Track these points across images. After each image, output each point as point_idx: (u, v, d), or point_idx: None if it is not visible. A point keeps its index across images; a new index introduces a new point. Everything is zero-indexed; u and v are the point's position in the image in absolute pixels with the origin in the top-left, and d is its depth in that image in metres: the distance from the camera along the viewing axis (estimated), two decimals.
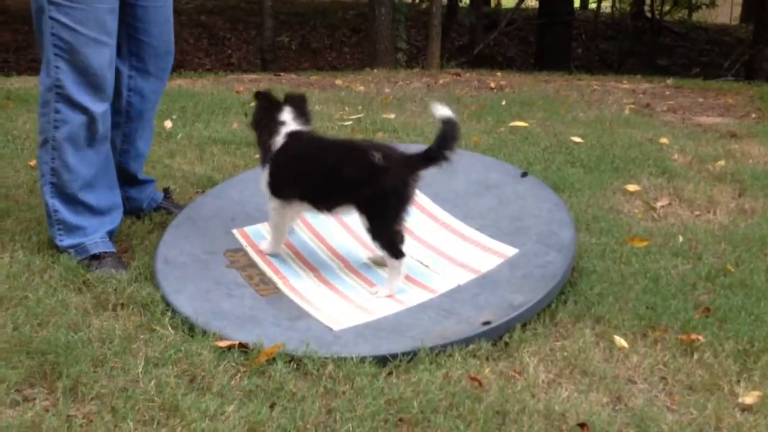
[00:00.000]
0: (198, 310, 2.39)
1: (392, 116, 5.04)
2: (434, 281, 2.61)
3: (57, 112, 2.64)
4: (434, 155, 2.54)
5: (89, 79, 2.63)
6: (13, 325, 2.25)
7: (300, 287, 2.60)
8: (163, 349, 2.20)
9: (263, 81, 6.90)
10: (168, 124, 4.63)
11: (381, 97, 5.84)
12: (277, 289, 2.59)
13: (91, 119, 2.67)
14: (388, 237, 2.54)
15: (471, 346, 2.23)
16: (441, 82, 6.79)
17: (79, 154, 2.69)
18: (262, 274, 2.67)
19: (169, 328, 2.32)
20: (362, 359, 2.14)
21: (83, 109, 2.65)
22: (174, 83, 6.43)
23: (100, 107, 2.68)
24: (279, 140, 2.67)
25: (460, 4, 13.49)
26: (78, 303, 2.42)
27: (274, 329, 2.34)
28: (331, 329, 2.35)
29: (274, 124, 2.70)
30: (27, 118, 4.59)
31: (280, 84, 6.63)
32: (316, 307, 2.47)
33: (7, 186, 3.38)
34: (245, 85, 6.44)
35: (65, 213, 2.72)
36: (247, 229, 2.92)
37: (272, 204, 2.71)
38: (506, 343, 2.28)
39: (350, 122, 4.88)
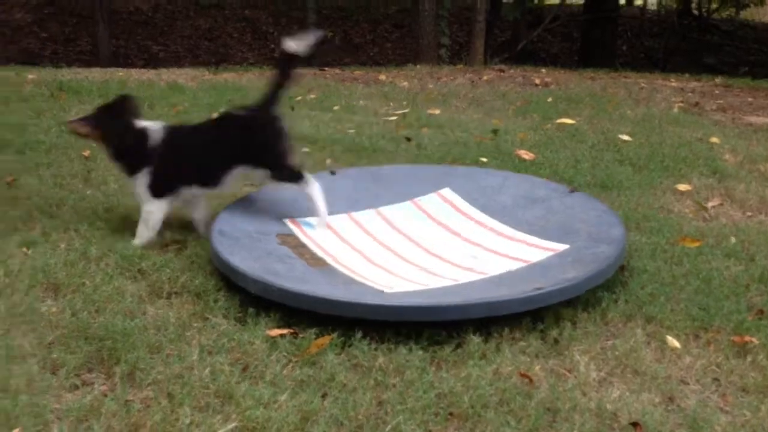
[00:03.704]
0: (251, 268, 2.43)
1: (437, 112, 5.04)
2: (485, 267, 2.64)
3: None
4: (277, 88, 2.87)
5: None
6: (72, 311, 2.31)
7: (350, 264, 2.66)
8: (216, 337, 2.24)
9: (307, 75, 6.94)
10: None
11: (425, 93, 5.85)
12: (327, 264, 2.65)
13: None
14: (288, 172, 2.84)
15: (521, 344, 2.24)
16: (485, 78, 6.77)
17: None
18: (312, 252, 2.73)
19: (221, 317, 2.36)
20: (411, 350, 2.16)
21: None
22: (221, 77, 6.50)
23: None
24: (154, 141, 2.80)
25: (504, 0, 13.39)
26: (133, 291, 2.47)
27: (327, 288, 2.40)
28: (383, 291, 2.40)
29: (136, 132, 2.81)
30: (79, 109, 4.67)
31: (324, 79, 6.66)
32: (367, 278, 2.53)
33: (62, 175, 3.45)
34: None
35: None
36: (299, 219, 2.96)
37: (156, 206, 2.82)
38: (556, 341, 2.28)
39: (395, 117, 4.89)
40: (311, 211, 2.97)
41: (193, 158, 2.85)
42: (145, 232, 2.82)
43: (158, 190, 2.81)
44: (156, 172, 2.79)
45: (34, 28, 13.72)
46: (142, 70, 7.14)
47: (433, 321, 2.23)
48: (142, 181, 2.79)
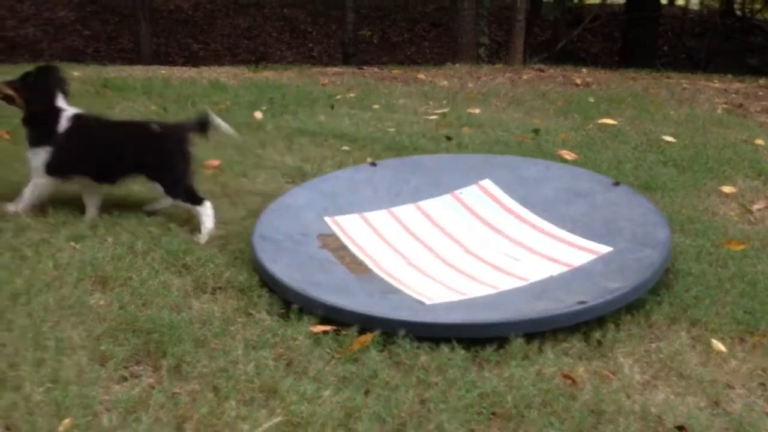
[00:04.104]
0: (292, 278, 2.45)
1: (477, 111, 5.03)
2: (525, 271, 2.62)
3: None
4: (198, 126, 3.00)
5: None
6: (119, 304, 2.35)
7: (390, 269, 2.66)
8: (260, 332, 2.26)
9: (346, 74, 6.97)
10: (258, 114, 4.72)
11: (465, 92, 5.84)
12: (368, 269, 2.65)
13: None
14: (184, 191, 2.91)
15: (564, 345, 2.23)
16: (525, 77, 6.74)
17: None
18: (353, 256, 2.73)
19: (265, 313, 2.38)
20: (453, 350, 2.16)
21: None
22: (261, 75, 6.56)
23: None
24: (63, 124, 2.90)
25: (544, 0, 13.32)
26: (179, 285, 2.50)
27: (366, 299, 2.40)
28: (422, 303, 2.39)
29: (54, 108, 2.92)
30: (124, 106, 4.75)
31: (364, 77, 6.68)
32: (407, 286, 2.52)
33: None
34: (329, 78, 6.52)
35: None
36: (339, 218, 2.97)
37: (43, 181, 2.91)
38: (599, 342, 2.27)
39: (435, 117, 4.89)
40: (351, 207, 3.00)
41: (92, 152, 2.94)
42: (26, 202, 2.93)
43: (52, 169, 2.91)
44: (55, 153, 2.89)
45: (77, 26, 13.96)
46: (184, 68, 7.23)
47: (474, 338, 2.22)
48: (40, 156, 2.89)
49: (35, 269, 2.51)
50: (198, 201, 2.92)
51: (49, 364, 2.02)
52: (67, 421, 1.80)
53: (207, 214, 2.90)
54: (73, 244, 2.72)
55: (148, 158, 2.92)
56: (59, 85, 2.98)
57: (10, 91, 2.93)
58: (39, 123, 2.90)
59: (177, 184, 2.91)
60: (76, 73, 5.84)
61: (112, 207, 3.05)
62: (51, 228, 2.82)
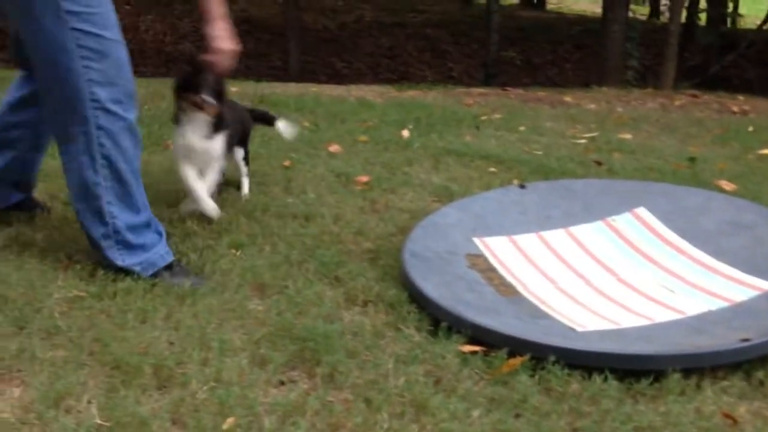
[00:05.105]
0: (442, 297, 2.47)
1: (628, 136, 4.92)
2: (682, 304, 2.54)
3: (99, 128, 2.48)
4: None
5: (122, 86, 2.50)
6: (277, 311, 2.45)
7: (540, 293, 2.64)
8: (409, 348, 2.30)
9: (491, 95, 6.97)
10: (405, 133, 4.80)
11: (614, 116, 5.72)
12: (516, 292, 2.63)
13: (130, 127, 2.55)
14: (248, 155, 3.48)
15: (723, 383, 2.14)
16: (677, 103, 6.53)
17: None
18: (501, 278, 2.73)
19: (414, 329, 2.41)
20: (606, 380, 2.12)
21: (125, 121, 2.52)
22: (406, 94, 6.66)
23: (133, 114, 2.56)
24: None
25: (698, 23, 12.85)
26: (331, 296, 2.58)
27: (516, 322, 2.39)
28: (573, 330, 2.36)
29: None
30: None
31: (508, 99, 6.67)
32: (557, 311, 2.50)
33: (266, 183, 3.66)
34: (474, 99, 6.55)
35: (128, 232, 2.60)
36: (487, 239, 2.98)
37: (222, 162, 3.17)
38: (761, 383, 2.16)
39: (583, 140, 4.82)
40: (500, 229, 3.01)
41: (235, 130, 3.20)
42: (212, 186, 3.12)
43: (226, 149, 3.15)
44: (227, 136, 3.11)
45: None
46: (333, 86, 7.44)
47: (628, 369, 2.16)
48: (220, 140, 3.06)
49: (199, 274, 2.66)
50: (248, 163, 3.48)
51: (213, 363, 2.13)
52: (231, 419, 1.89)
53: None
54: (233, 251, 2.86)
55: (247, 130, 3.45)
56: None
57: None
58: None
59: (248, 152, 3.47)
60: (234, 89, 6.13)
61: (269, 217, 3.18)
62: (214, 235, 2.97)
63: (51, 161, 3.25)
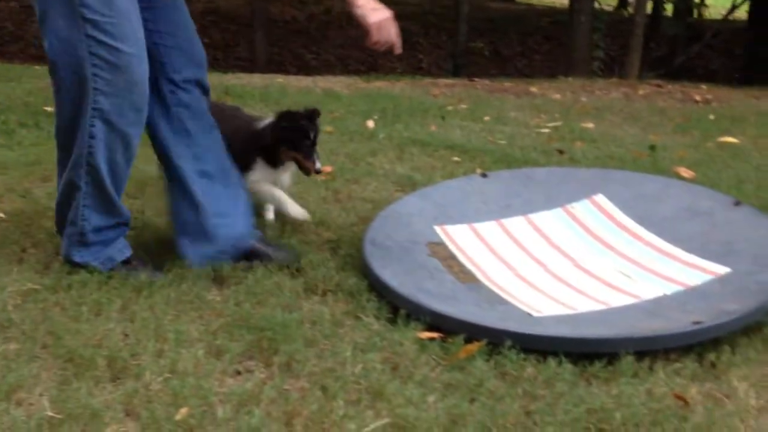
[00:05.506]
0: (402, 284, 2.48)
1: (591, 126, 4.96)
2: (638, 289, 2.57)
3: (92, 137, 2.44)
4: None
5: (130, 100, 2.44)
6: (235, 301, 2.44)
7: (499, 280, 2.66)
8: (368, 336, 2.30)
9: (458, 86, 7.00)
10: (370, 124, 4.81)
11: (578, 106, 5.76)
12: (476, 279, 2.66)
13: (128, 144, 2.51)
14: None
15: (676, 365, 2.17)
16: (641, 92, 6.59)
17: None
18: (461, 265, 2.74)
19: (373, 317, 2.42)
20: (561, 363, 2.14)
21: (123, 134, 2.48)
22: (374, 85, 6.67)
23: (135, 129, 2.51)
24: None
25: (664, 14, 12.96)
26: (291, 286, 2.58)
27: (474, 308, 2.41)
28: (530, 315, 2.38)
29: None
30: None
31: (475, 89, 6.70)
32: (515, 297, 2.52)
33: None
34: (441, 90, 6.57)
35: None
36: (448, 227, 2.99)
37: None
38: (713, 364, 2.19)
39: (547, 130, 4.86)
40: (461, 217, 3.02)
41: None
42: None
43: None
44: None
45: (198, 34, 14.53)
46: (299, 77, 7.43)
47: (583, 353, 2.19)
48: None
49: (158, 266, 2.64)
50: None
51: (168, 355, 2.12)
52: (184, 410, 1.88)
53: None
54: None
55: None
56: None
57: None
58: None
59: None
60: None
61: None
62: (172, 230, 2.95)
63: (8, 152, 3.22)
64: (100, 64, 2.36)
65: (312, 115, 2.92)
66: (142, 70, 2.44)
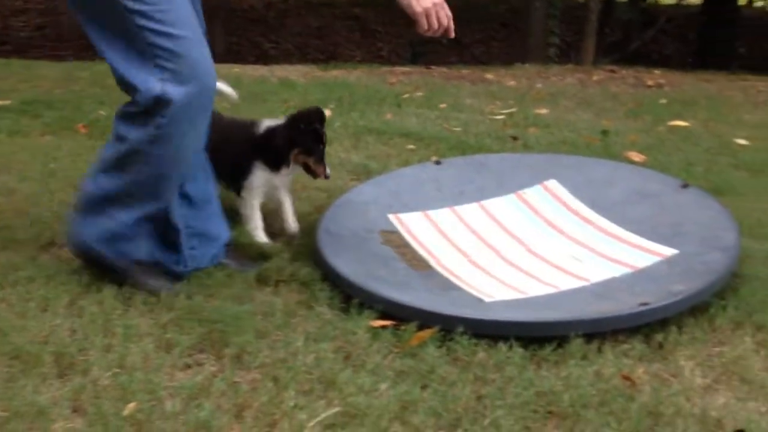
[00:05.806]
0: (354, 273, 2.48)
1: (545, 112, 5.00)
2: (587, 272, 2.60)
3: (158, 128, 2.34)
4: None
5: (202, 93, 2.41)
6: (186, 294, 2.42)
7: (452, 266, 2.68)
8: (320, 325, 2.30)
9: (414, 73, 6.99)
10: (326, 113, 4.77)
11: (533, 93, 5.80)
12: (429, 266, 2.67)
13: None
14: None
15: (624, 346, 2.20)
16: (595, 78, 6.66)
17: None
18: (414, 253, 2.76)
19: (326, 307, 2.42)
20: (511, 348, 2.16)
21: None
22: (331, 74, 6.64)
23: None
24: None
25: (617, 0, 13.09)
26: (243, 278, 2.56)
27: (426, 295, 2.43)
28: (482, 300, 2.40)
29: None
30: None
31: (432, 77, 6.70)
32: (468, 283, 2.54)
33: None
34: (398, 77, 6.56)
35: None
36: (402, 215, 3.00)
37: None
38: (660, 345, 2.23)
39: (501, 117, 4.88)
40: (415, 204, 3.02)
41: None
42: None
43: None
44: None
45: None
46: (256, 66, 7.36)
47: (533, 337, 2.21)
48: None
49: None
50: None
51: (116, 350, 2.10)
52: (132, 405, 1.87)
53: None
54: None
55: None
56: None
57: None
58: None
59: None
60: None
61: None
62: None
63: None
64: (162, 54, 2.30)
65: (323, 118, 2.85)
66: (203, 50, 2.39)
